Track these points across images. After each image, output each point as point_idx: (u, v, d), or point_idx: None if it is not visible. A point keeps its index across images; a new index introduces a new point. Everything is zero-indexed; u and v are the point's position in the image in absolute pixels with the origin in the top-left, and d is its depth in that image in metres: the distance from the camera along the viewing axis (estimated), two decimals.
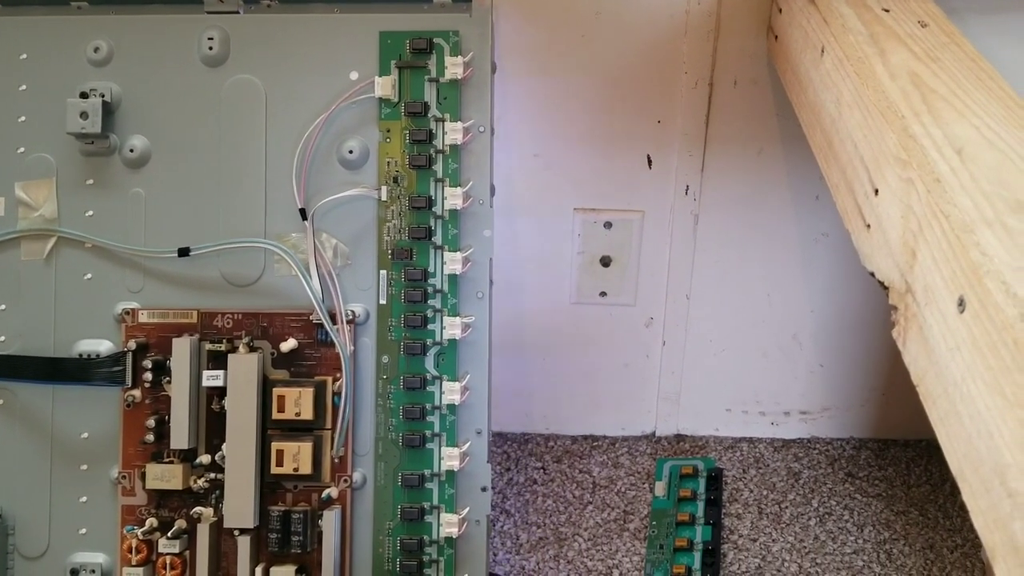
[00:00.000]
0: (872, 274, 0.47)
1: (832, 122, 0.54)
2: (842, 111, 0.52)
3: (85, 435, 0.69)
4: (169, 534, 0.67)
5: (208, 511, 0.67)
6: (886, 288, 0.45)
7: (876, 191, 0.46)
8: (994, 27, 0.59)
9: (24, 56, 0.70)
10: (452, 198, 0.67)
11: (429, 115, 0.68)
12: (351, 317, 0.67)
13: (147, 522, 0.67)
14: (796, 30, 0.63)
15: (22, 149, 0.70)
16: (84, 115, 0.68)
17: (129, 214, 0.69)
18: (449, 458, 0.67)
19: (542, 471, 0.88)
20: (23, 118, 0.70)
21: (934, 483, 0.86)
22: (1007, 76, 0.49)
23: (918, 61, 0.50)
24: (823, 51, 0.56)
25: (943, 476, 0.87)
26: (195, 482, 0.67)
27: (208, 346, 0.67)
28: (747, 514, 0.83)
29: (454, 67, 0.67)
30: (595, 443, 0.91)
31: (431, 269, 0.68)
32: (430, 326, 0.68)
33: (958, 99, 0.46)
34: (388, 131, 0.68)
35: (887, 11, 0.56)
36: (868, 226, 0.48)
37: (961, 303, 0.36)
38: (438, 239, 0.68)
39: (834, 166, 0.54)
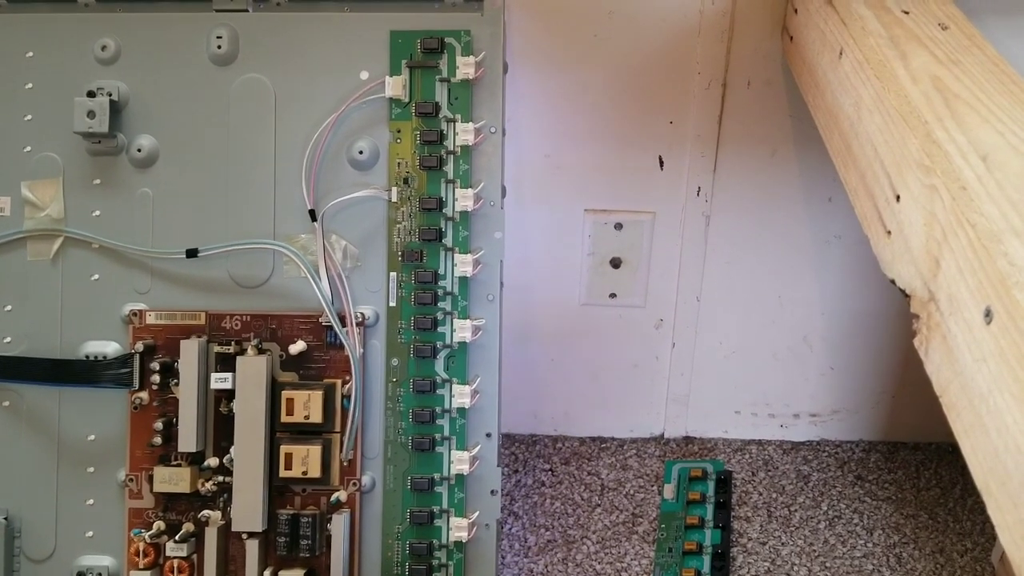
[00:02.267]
0: (892, 281, 0.46)
1: (851, 125, 0.53)
2: (861, 115, 0.52)
3: (92, 437, 0.68)
4: (177, 537, 0.66)
5: (216, 514, 0.66)
6: (907, 296, 0.44)
7: (897, 197, 0.46)
8: (1015, 29, 0.58)
9: (31, 54, 0.69)
10: (463, 199, 0.67)
11: (440, 115, 0.67)
12: (360, 319, 0.67)
13: (154, 525, 0.67)
14: (813, 31, 0.62)
15: (28, 148, 0.69)
16: (91, 114, 0.67)
17: (136, 214, 0.68)
18: (459, 462, 0.67)
19: (550, 473, 0.87)
20: (29, 117, 0.69)
21: (944, 486, 0.86)
22: None
23: (940, 65, 0.49)
24: (841, 53, 0.56)
25: (953, 479, 0.86)
26: (203, 485, 0.66)
27: (216, 348, 0.67)
28: (756, 517, 0.83)
29: (466, 67, 0.66)
30: (603, 445, 0.90)
31: (441, 271, 0.67)
32: (440, 329, 0.67)
33: (982, 104, 0.45)
34: (399, 131, 0.68)
35: (907, 13, 0.55)
36: (888, 232, 0.47)
37: (988, 314, 0.36)
38: (448, 241, 0.67)
39: (852, 170, 0.53)
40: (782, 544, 0.80)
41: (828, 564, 0.78)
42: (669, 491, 0.84)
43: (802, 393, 0.88)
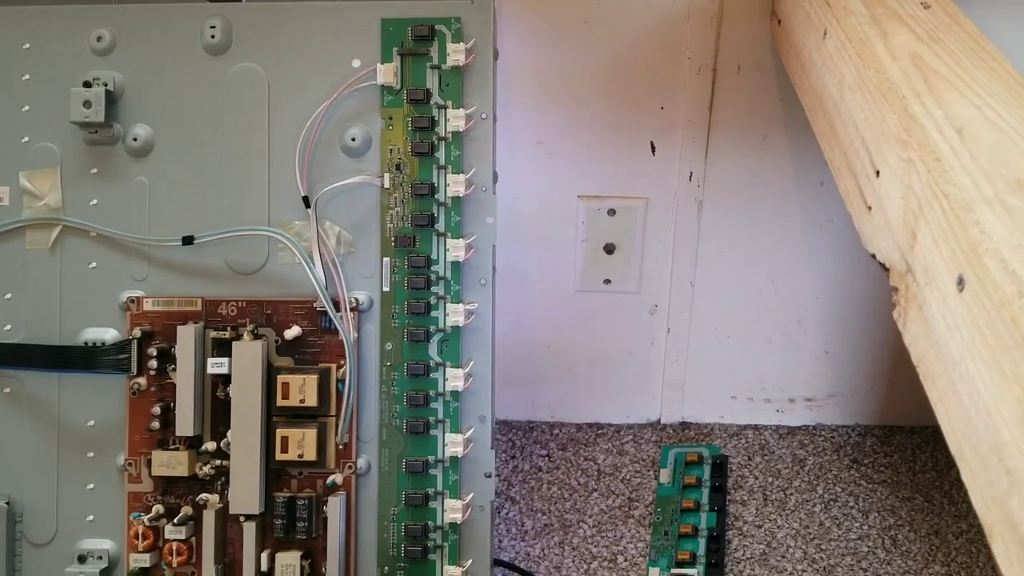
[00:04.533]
0: (873, 256, 0.47)
1: (834, 105, 0.54)
2: (844, 93, 0.52)
3: (91, 423, 0.69)
4: (175, 520, 0.67)
5: (214, 497, 0.67)
6: (887, 269, 0.45)
7: (877, 172, 0.46)
8: (998, 9, 0.59)
9: (27, 46, 0.70)
10: (455, 185, 0.67)
11: (431, 102, 0.68)
12: (355, 304, 0.67)
13: (153, 508, 0.67)
14: (799, 13, 0.63)
15: (26, 138, 0.70)
16: (87, 104, 0.68)
17: (133, 203, 0.69)
18: (453, 444, 0.67)
19: (547, 459, 0.88)
20: (27, 107, 0.70)
21: (939, 469, 0.86)
22: (1011, 58, 0.48)
23: (920, 42, 0.49)
24: (825, 34, 0.56)
25: (948, 462, 0.86)
26: (201, 469, 0.67)
27: (213, 334, 0.67)
28: (752, 500, 0.83)
29: (456, 54, 0.67)
30: (600, 431, 0.91)
31: (434, 256, 0.68)
32: (433, 313, 0.68)
33: (959, 79, 0.46)
34: (390, 118, 0.68)
35: None
36: (869, 208, 0.47)
37: (960, 282, 0.36)
38: (441, 226, 0.68)
39: (836, 149, 0.54)
40: (778, 527, 0.81)
41: (823, 546, 0.79)
42: (665, 475, 0.85)
43: (797, 378, 0.89)
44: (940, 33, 0.50)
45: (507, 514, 0.82)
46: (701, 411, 0.91)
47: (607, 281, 0.85)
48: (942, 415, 0.38)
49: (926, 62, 0.47)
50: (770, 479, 0.85)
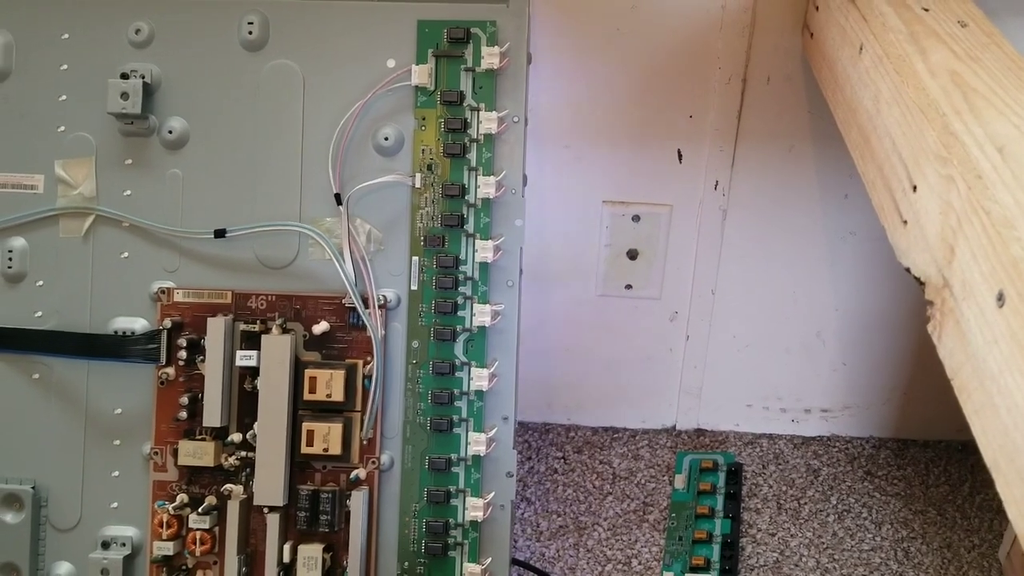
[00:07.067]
0: (908, 269, 0.47)
1: (869, 119, 0.54)
2: (880, 108, 0.53)
3: (119, 411, 0.70)
4: (199, 510, 0.68)
5: (238, 488, 0.68)
6: (922, 283, 0.45)
7: (914, 187, 0.47)
8: None
9: (66, 36, 0.71)
10: (485, 187, 0.68)
11: (464, 104, 0.69)
12: (383, 302, 0.68)
13: (178, 497, 0.68)
14: (833, 27, 0.63)
15: (63, 128, 0.71)
16: (124, 96, 0.69)
17: (166, 195, 0.70)
18: (475, 443, 0.68)
19: (563, 461, 0.89)
20: (64, 97, 0.70)
21: (953, 483, 0.86)
22: None
23: (958, 60, 0.50)
24: (862, 49, 0.57)
25: (962, 477, 0.87)
26: (226, 460, 0.68)
27: (242, 326, 0.68)
28: (766, 509, 0.84)
29: (490, 57, 0.68)
30: (616, 435, 0.92)
31: (462, 256, 0.69)
32: (460, 313, 0.69)
33: (999, 98, 0.46)
34: (423, 119, 0.69)
35: (927, 10, 0.56)
36: (905, 222, 0.48)
37: (1000, 297, 0.37)
38: (470, 227, 0.69)
39: (870, 163, 0.54)
40: (791, 536, 0.81)
41: (836, 556, 0.79)
42: (680, 481, 0.85)
43: (814, 388, 0.89)
44: (978, 52, 0.51)
45: (522, 515, 0.83)
46: (717, 418, 0.91)
47: (629, 286, 0.85)
48: (977, 427, 0.38)
49: (965, 80, 0.48)
50: (784, 488, 0.86)
